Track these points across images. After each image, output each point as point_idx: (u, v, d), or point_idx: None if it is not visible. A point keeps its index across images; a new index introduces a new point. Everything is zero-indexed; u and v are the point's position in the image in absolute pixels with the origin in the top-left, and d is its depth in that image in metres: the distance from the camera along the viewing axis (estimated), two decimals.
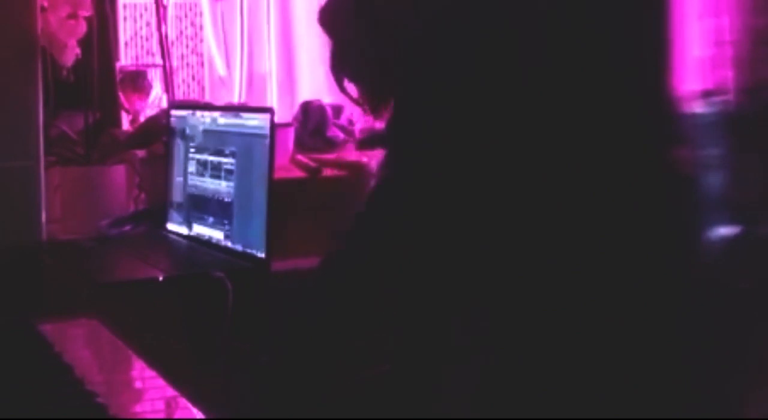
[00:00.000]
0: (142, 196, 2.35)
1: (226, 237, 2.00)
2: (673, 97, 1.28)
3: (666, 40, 1.27)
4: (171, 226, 2.21)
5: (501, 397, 1.25)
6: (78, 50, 2.17)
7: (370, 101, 1.40)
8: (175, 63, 3.69)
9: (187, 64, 4.53)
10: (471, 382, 1.26)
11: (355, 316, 1.35)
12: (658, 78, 1.28)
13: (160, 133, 2.32)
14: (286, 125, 2.31)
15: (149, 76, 3.83)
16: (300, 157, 2.28)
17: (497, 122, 1.25)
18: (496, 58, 1.25)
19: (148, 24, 4.41)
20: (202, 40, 4.29)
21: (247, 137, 1.96)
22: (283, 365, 1.38)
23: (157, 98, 3.65)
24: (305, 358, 1.36)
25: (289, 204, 1.98)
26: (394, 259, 1.32)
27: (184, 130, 2.19)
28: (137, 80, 3.77)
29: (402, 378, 1.30)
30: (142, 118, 3.14)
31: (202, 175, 2.11)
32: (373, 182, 1.40)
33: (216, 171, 2.05)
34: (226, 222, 2.00)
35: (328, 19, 1.41)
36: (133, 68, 4.10)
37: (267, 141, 1.90)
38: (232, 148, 2.01)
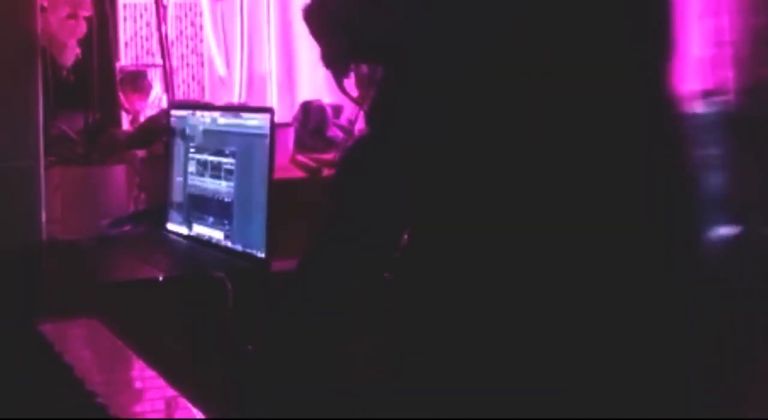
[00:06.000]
0: (142, 196, 2.35)
1: (226, 237, 2.00)
2: (674, 97, 1.28)
3: (669, 40, 1.27)
4: (171, 226, 2.21)
5: (502, 396, 1.25)
6: (78, 50, 2.17)
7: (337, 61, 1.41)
8: (175, 63, 3.69)
9: (187, 64, 4.52)
10: (469, 382, 1.26)
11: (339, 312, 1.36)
12: (660, 78, 1.28)
13: (160, 133, 2.32)
14: (286, 125, 2.31)
15: (149, 76, 3.83)
16: (300, 157, 2.28)
17: (498, 120, 1.25)
18: (496, 56, 1.25)
19: (148, 24, 4.40)
20: (202, 40, 4.28)
21: (247, 137, 1.96)
22: (281, 365, 1.38)
23: (157, 98, 3.65)
24: (297, 357, 1.37)
25: (289, 204, 1.98)
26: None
27: (184, 130, 2.19)
28: (137, 80, 3.76)
29: (400, 378, 1.30)
30: (142, 118, 3.14)
31: (202, 175, 2.11)
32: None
33: (216, 171, 2.05)
34: (226, 222, 2.00)
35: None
36: (133, 68, 4.09)
37: (267, 141, 1.90)
38: (232, 148, 2.01)
